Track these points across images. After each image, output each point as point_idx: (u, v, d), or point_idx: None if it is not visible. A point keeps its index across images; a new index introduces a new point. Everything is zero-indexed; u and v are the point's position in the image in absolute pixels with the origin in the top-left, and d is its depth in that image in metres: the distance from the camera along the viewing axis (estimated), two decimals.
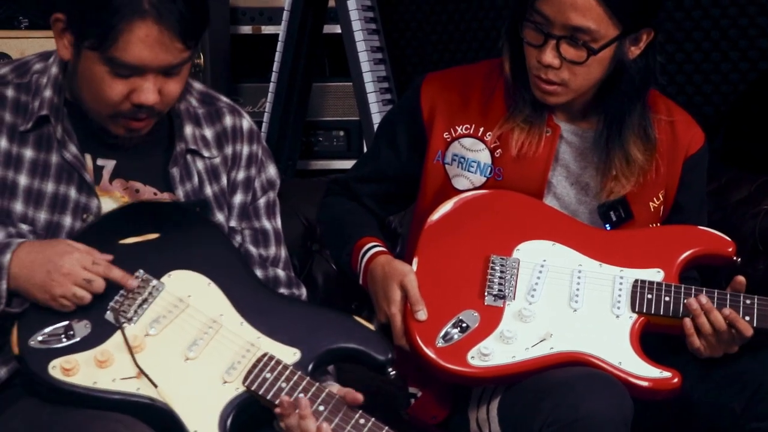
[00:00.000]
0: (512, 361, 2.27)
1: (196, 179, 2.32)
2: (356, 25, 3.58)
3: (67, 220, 2.21)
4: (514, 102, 2.48)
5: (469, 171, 2.52)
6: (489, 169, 2.50)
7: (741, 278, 2.35)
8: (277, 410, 2.05)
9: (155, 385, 2.04)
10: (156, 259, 2.19)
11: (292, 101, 3.74)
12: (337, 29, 3.70)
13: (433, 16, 3.66)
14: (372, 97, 3.59)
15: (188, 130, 2.31)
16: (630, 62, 2.41)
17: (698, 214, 2.56)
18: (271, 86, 3.75)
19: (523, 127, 2.47)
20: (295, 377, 2.07)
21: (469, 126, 2.52)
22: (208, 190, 2.33)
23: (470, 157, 2.52)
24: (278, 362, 2.09)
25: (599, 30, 2.33)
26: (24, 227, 2.18)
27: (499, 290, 2.37)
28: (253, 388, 2.06)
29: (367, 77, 3.59)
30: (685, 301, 2.31)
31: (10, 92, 2.22)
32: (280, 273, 2.42)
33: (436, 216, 2.49)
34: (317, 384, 2.07)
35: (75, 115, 2.24)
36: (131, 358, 2.07)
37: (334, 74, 4.05)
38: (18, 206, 2.18)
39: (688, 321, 2.31)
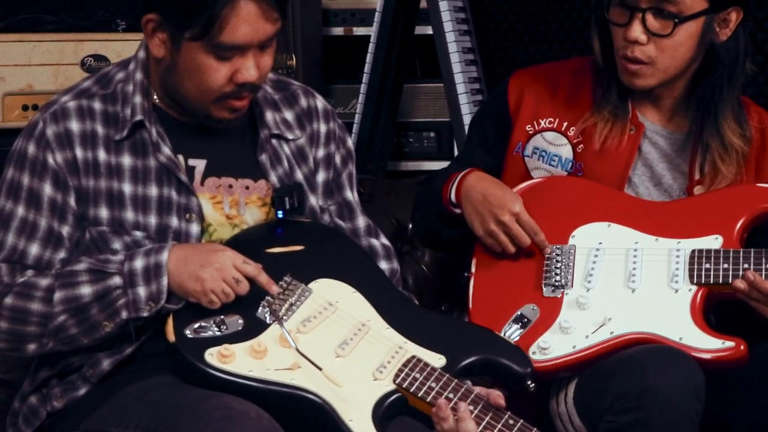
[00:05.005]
0: (572, 351, 2.28)
1: (286, 163, 2.36)
2: (448, 26, 3.59)
3: (174, 221, 2.26)
4: (601, 93, 2.47)
5: (550, 165, 2.52)
6: (570, 164, 2.51)
7: None
8: (434, 411, 2.07)
9: (320, 368, 2.09)
10: (302, 268, 2.27)
11: (383, 102, 3.75)
12: (429, 30, 3.70)
13: (525, 17, 3.64)
14: (463, 98, 3.58)
15: (269, 116, 2.36)
16: (720, 45, 2.38)
17: None
18: (363, 87, 3.76)
19: (607, 120, 2.47)
20: (444, 378, 2.12)
21: (552, 120, 2.53)
22: (299, 174, 2.37)
23: (552, 151, 2.52)
24: (426, 364, 2.14)
25: (685, 1, 2.31)
26: (138, 234, 2.23)
27: (557, 280, 2.36)
28: (404, 386, 2.11)
29: (458, 78, 3.59)
30: (732, 283, 2.27)
31: (97, 105, 2.27)
32: (375, 243, 2.46)
33: None
34: (466, 385, 2.12)
35: (163, 118, 2.29)
36: (292, 346, 2.12)
37: (426, 75, 4.04)
38: (129, 214, 2.24)
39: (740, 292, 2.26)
